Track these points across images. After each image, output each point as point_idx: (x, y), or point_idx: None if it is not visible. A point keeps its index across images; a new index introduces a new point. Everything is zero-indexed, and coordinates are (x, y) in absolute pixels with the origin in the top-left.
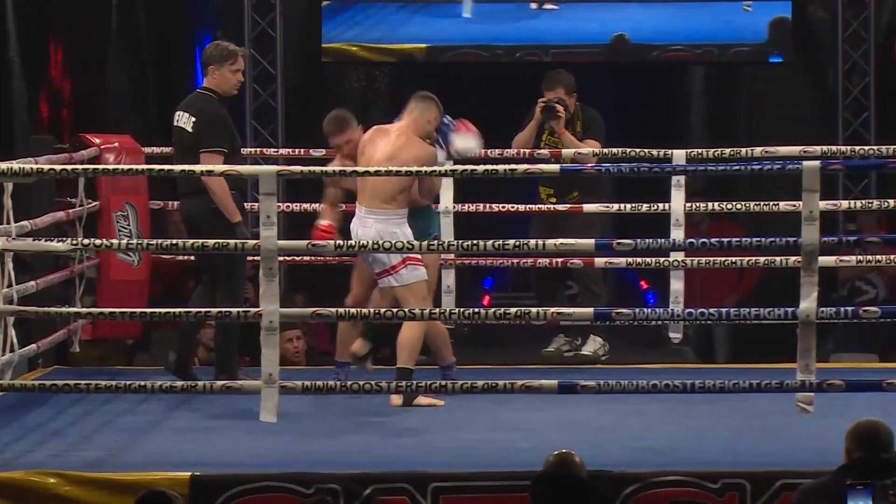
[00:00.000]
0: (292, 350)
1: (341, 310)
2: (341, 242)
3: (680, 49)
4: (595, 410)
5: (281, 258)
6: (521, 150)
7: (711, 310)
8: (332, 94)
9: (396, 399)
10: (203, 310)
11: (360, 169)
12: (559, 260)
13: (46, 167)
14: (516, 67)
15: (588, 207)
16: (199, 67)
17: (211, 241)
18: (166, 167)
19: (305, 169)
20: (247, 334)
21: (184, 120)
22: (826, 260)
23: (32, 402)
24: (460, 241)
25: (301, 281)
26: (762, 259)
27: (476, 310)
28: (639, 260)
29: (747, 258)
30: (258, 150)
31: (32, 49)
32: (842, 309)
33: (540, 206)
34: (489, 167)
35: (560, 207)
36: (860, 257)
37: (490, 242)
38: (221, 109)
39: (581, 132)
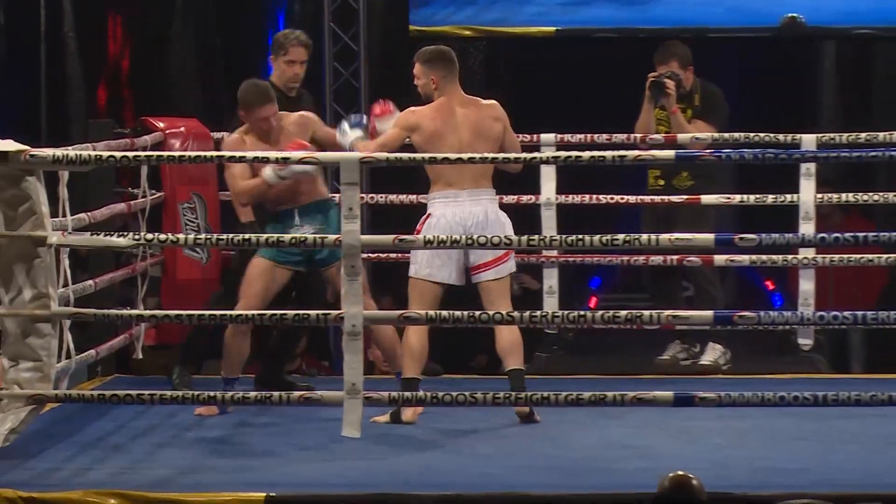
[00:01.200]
0: (380, 358)
1: (432, 312)
2: (432, 237)
3: (866, 31)
4: (715, 425)
5: (364, 255)
6: (633, 136)
7: (846, 313)
8: None
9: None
10: (279, 312)
11: (464, 156)
12: (674, 257)
13: (105, 154)
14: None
15: (706, 199)
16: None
17: (287, 236)
18: (237, 154)
19: (391, 156)
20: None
21: None
22: None
23: (91, 414)
24: (564, 236)
25: (387, 281)
26: None
27: (582, 313)
28: (763, 257)
29: (886, 255)
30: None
31: (90, 24)
32: None
33: (653, 197)
34: (596, 154)
35: (674, 199)
36: None
37: (597, 238)
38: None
39: (700, 108)
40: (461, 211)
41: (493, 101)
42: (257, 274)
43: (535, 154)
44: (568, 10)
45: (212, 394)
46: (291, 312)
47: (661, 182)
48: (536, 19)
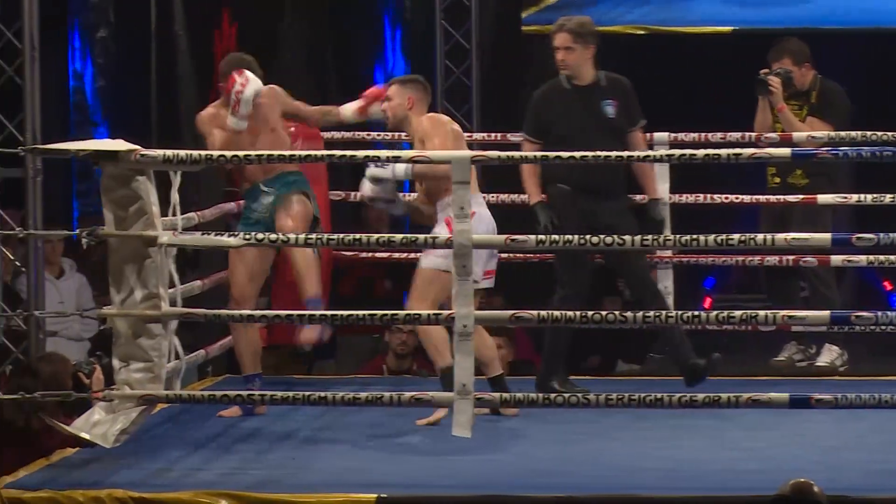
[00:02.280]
0: None
1: (544, 312)
2: (543, 237)
3: None
4: (831, 427)
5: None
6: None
7: None
8: (534, 70)
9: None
10: (390, 312)
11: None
12: (790, 258)
13: (216, 154)
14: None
15: (822, 198)
16: (387, 44)
17: (398, 236)
18: (348, 153)
19: (503, 155)
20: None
21: None
22: None
23: (201, 415)
24: (678, 236)
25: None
26: None
27: (696, 313)
28: (881, 257)
29: None
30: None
31: (200, 23)
32: None
33: (767, 196)
34: (711, 152)
35: (790, 198)
36: None
37: (712, 237)
38: None
39: (816, 106)
40: (488, 213)
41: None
42: (232, 257)
43: (650, 152)
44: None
45: (322, 394)
46: (402, 312)
47: (777, 180)
48: (709, 18)
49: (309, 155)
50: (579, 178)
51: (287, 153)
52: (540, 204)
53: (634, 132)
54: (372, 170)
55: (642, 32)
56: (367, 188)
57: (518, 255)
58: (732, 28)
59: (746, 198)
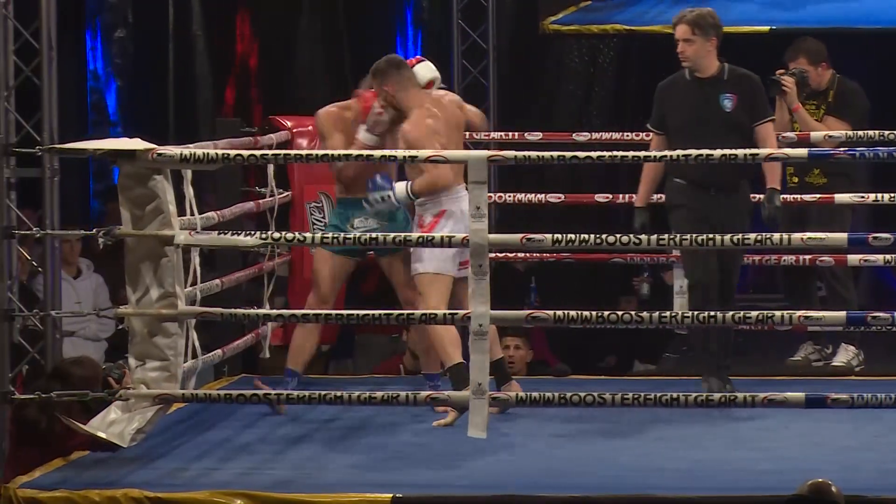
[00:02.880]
0: (507, 358)
1: (559, 312)
2: (560, 236)
3: None
4: (848, 427)
5: (492, 255)
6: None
7: None
8: (550, 70)
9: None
10: (406, 312)
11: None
12: (807, 257)
13: (233, 153)
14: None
15: (839, 198)
16: (405, 43)
17: (414, 235)
18: (364, 153)
19: (520, 154)
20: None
21: None
22: None
23: (217, 414)
24: (694, 236)
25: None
26: None
27: (712, 313)
28: None
29: None
30: (467, 133)
31: (218, 23)
32: None
33: (783, 196)
34: (728, 152)
35: (807, 198)
36: None
37: (728, 237)
38: None
39: (832, 105)
40: (464, 206)
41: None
42: (322, 263)
43: (666, 152)
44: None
45: (337, 394)
46: (419, 312)
47: (795, 179)
48: (748, 18)
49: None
50: (694, 173)
51: (304, 153)
52: (640, 208)
53: (759, 127)
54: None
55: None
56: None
57: (535, 254)
58: (770, 28)
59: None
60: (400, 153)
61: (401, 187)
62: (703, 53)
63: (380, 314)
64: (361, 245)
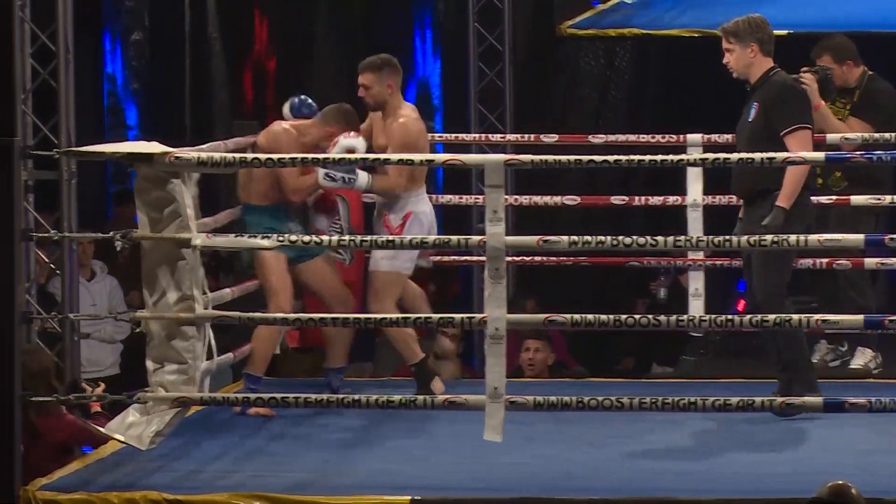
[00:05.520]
0: (526, 361)
1: (577, 316)
2: (576, 238)
3: None
4: (865, 431)
5: (509, 258)
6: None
7: None
8: (566, 73)
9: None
10: (424, 315)
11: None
12: (824, 260)
13: (250, 157)
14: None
15: (856, 199)
16: (420, 45)
17: (431, 238)
18: (382, 156)
19: (537, 158)
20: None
21: None
22: None
23: (235, 416)
24: (710, 238)
25: (531, 284)
26: None
27: (729, 316)
28: None
29: None
30: (483, 136)
31: (235, 26)
32: None
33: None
34: (745, 155)
35: (823, 199)
36: None
37: (744, 238)
38: None
39: (857, 105)
40: (429, 208)
41: None
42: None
43: (683, 156)
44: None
45: (354, 396)
46: (436, 316)
47: (820, 181)
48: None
49: (343, 158)
50: (733, 183)
51: (321, 156)
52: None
53: (786, 137)
54: (323, 179)
55: (697, 35)
56: (322, 181)
57: (552, 257)
58: (788, 31)
59: None
60: (417, 157)
61: (364, 176)
62: (744, 61)
63: (397, 318)
64: (377, 247)
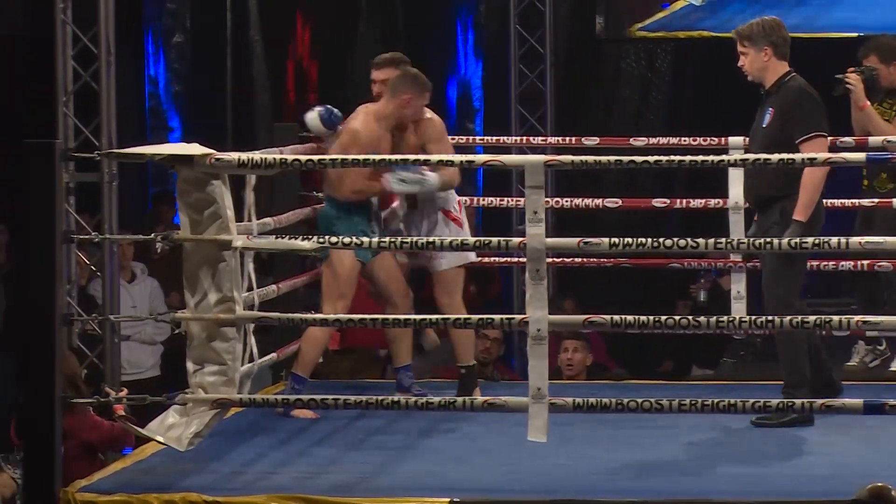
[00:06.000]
0: (565, 362)
1: (616, 317)
2: (617, 240)
3: None
4: None
5: (549, 259)
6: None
7: None
8: (607, 75)
9: None
10: (464, 317)
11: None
12: (865, 262)
13: (290, 158)
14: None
15: None
16: (461, 47)
17: (472, 239)
18: (434, 157)
19: (577, 159)
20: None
21: None
22: None
23: (275, 419)
24: (751, 240)
25: (570, 285)
26: None
27: (770, 318)
28: None
29: None
30: (524, 138)
31: (276, 28)
32: None
33: (843, 200)
34: (785, 156)
35: (864, 202)
36: None
37: (785, 241)
38: None
39: None
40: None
41: None
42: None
43: (723, 157)
44: None
45: (395, 398)
46: (476, 317)
47: (865, 183)
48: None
49: (383, 159)
50: (744, 190)
51: (361, 157)
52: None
53: (803, 144)
54: (396, 184)
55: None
56: (395, 185)
57: (592, 258)
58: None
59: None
60: (457, 158)
61: (434, 176)
62: (758, 65)
63: (437, 319)
64: (419, 249)
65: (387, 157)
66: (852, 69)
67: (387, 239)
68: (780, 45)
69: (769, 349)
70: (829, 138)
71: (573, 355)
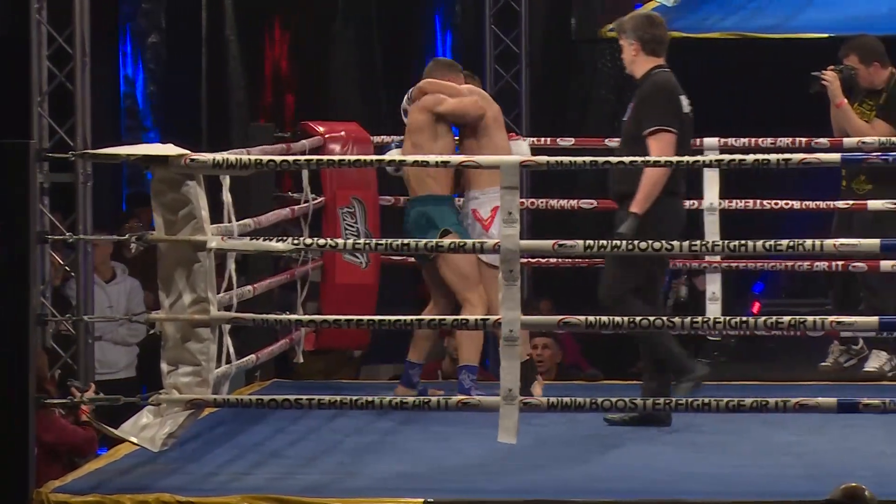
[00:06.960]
0: (535, 359)
1: (591, 318)
2: (591, 242)
3: None
4: (880, 433)
5: (523, 260)
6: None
7: None
8: (582, 75)
9: None
10: (438, 317)
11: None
12: (839, 263)
13: (266, 158)
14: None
15: (873, 204)
16: (437, 48)
17: (447, 241)
18: (410, 158)
19: (552, 159)
20: None
21: None
22: None
23: (249, 419)
24: (726, 241)
25: (547, 286)
26: None
27: (744, 319)
28: None
29: None
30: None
31: (252, 28)
32: None
33: (818, 203)
34: (760, 157)
35: (840, 204)
36: None
37: (760, 243)
38: None
39: (882, 107)
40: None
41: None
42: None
43: (698, 157)
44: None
45: (369, 398)
46: (450, 318)
47: (844, 184)
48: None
49: (359, 160)
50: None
51: (337, 158)
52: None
53: (648, 138)
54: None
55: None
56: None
57: (566, 259)
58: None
59: (796, 203)
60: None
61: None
62: (627, 58)
63: (411, 320)
64: (393, 251)
65: (385, 157)
66: (832, 67)
67: (362, 240)
68: (647, 42)
69: (744, 350)
70: (803, 139)
71: (542, 352)
